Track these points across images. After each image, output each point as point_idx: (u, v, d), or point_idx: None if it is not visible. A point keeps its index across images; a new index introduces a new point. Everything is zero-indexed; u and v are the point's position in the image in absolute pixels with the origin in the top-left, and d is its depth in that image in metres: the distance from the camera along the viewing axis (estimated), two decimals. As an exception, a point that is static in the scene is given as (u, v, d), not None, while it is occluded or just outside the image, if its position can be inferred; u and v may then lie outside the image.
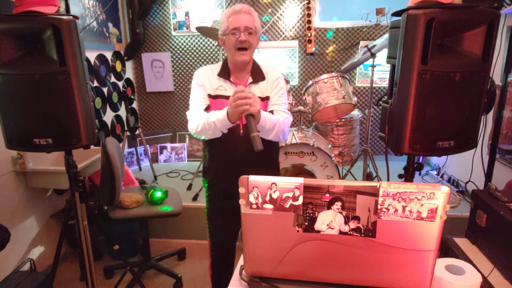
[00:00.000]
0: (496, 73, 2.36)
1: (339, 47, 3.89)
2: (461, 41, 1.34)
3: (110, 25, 3.67)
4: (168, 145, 4.27)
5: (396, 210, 0.89)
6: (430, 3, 1.32)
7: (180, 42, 4.10)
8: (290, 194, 0.94)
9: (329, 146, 3.02)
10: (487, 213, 1.70)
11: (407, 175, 1.63)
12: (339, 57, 3.94)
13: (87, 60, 3.19)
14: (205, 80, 1.75)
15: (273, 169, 1.92)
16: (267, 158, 1.79)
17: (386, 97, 1.61)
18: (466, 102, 1.38)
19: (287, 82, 2.79)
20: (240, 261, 1.12)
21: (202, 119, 1.63)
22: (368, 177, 3.23)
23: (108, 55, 3.66)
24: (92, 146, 1.64)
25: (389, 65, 1.56)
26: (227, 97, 1.69)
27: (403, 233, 0.90)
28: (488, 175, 2.41)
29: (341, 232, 0.94)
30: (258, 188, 0.95)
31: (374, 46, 2.82)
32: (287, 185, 0.94)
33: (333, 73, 2.90)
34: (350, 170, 3.25)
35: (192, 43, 4.09)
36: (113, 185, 2.06)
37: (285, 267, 1.01)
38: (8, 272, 2.17)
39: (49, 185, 2.53)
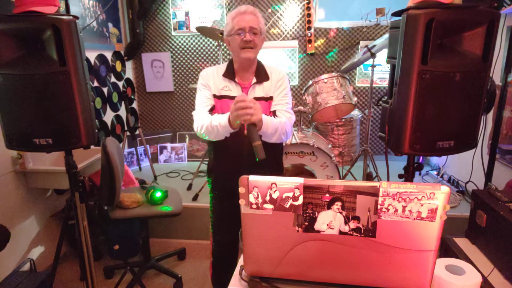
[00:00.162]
0: (496, 73, 2.36)
1: (339, 47, 3.89)
2: (461, 41, 1.34)
3: (110, 25, 3.67)
4: (168, 145, 4.27)
5: (396, 210, 0.89)
6: (430, 3, 1.32)
7: (180, 42, 4.10)
8: (290, 194, 0.94)
9: (329, 146, 3.02)
10: (487, 213, 1.70)
11: (407, 175, 1.63)
12: (339, 57, 3.94)
13: (87, 60, 3.19)
14: (210, 80, 1.77)
15: (277, 168, 1.93)
16: (271, 157, 1.80)
17: (386, 97, 1.61)
18: (466, 102, 1.38)
19: None
20: (240, 261, 1.13)
21: (206, 122, 1.66)
22: (368, 177, 3.23)
23: (108, 55, 3.66)
24: (92, 146, 1.64)
25: (389, 65, 1.56)
26: (232, 97, 1.72)
27: (403, 233, 0.90)
28: (488, 175, 2.41)
29: (341, 232, 0.94)
30: (258, 188, 0.95)
31: (374, 46, 2.82)
32: (287, 185, 0.94)
33: (333, 73, 2.90)
34: (350, 170, 3.25)
35: (192, 43, 4.09)
36: (113, 185, 2.06)
37: (285, 267, 1.01)
38: (8, 272, 2.17)
39: (49, 185, 2.53)
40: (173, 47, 4.12)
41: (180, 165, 4.13)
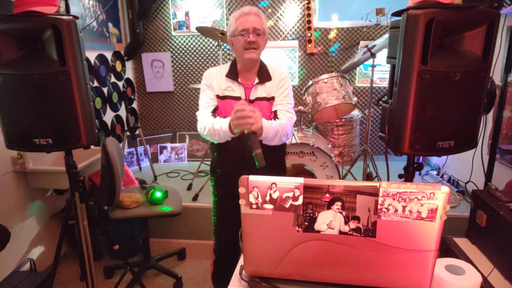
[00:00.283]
0: (496, 73, 2.36)
1: (339, 47, 3.89)
2: (461, 41, 1.34)
3: (110, 25, 3.67)
4: (168, 145, 4.27)
5: (396, 210, 0.89)
6: (430, 3, 1.32)
7: (180, 42, 4.10)
8: (290, 194, 0.94)
9: (329, 146, 3.02)
10: (487, 213, 1.70)
11: (407, 175, 1.63)
12: (339, 57, 3.94)
13: (87, 60, 3.19)
14: (213, 81, 1.79)
15: (279, 167, 1.93)
16: (273, 157, 1.81)
17: (386, 97, 1.61)
18: (466, 102, 1.38)
19: None
20: (240, 261, 1.13)
21: (208, 124, 1.69)
22: (368, 177, 3.23)
23: (108, 55, 3.66)
24: (92, 146, 1.64)
25: (389, 65, 1.56)
26: (234, 98, 1.76)
27: (403, 233, 0.90)
28: (488, 175, 2.41)
29: (341, 232, 0.94)
30: (258, 188, 0.95)
31: (374, 46, 2.82)
32: (287, 185, 0.94)
33: (333, 73, 2.90)
34: (350, 170, 3.25)
35: (192, 43, 4.09)
36: (113, 185, 2.06)
37: (285, 267, 1.01)
38: (8, 272, 2.17)
39: (49, 185, 2.53)
40: (173, 47, 4.12)
41: (180, 165, 4.13)
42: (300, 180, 0.93)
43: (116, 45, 3.82)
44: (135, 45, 4.02)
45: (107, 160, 2.03)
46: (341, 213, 0.93)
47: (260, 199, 0.95)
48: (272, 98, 1.79)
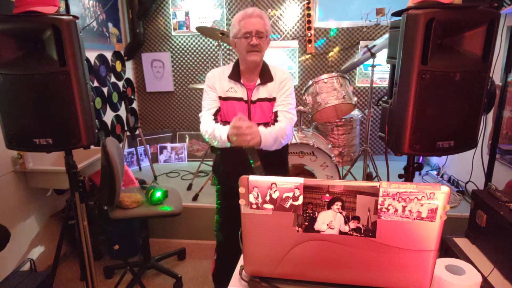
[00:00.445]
0: (496, 73, 2.36)
1: (339, 47, 3.89)
2: (461, 41, 1.34)
3: (110, 25, 3.67)
4: (168, 145, 4.27)
5: (396, 210, 0.89)
6: (430, 3, 1.32)
7: (180, 42, 4.10)
8: (290, 194, 0.94)
9: (329, 146, 3.02)
10: (487, 213, 1.70)
11: (407, 175, 1.63)
12: (339, 57, 3.94)
13: (87, 60, 3.19)
14: (216, 82, 1.80)
15: (282, 167, 1.94)
16: (277, 156, 1.82)
17: (386, 97, 1.61)
18: (466, 102, 1.38)
19: None
20: (240, 261, 1.13)
21: (209, 129, 1.72)
22: (368, 177, 3.23)
23: (108, 55, 3.66)
24: (92, 146, 1.64)
25: (389, 65, 1.56)
26: (237, 99, 1.77)
27: (403, 233, 0.90)
28: (488, 175, 2.41)
29: (341, 232, 0.94)
30: (258, 188, 0.95)
31: (374, 46, 2.82)
32: (287, 185, 0.94)
33: (333, 73, 2.90)
34: (350, 170, 3.25)
35: (192, 43, 4.09)
36: (113, 185, 2.06)
37: (285, 267, 1.01)
38: (8, 272, 2.17)
39: (49, 185, 2.53)
40: (173, 47, 4.12)
41: (180, 165, 4.13)
42: (300, 180, 0.93)
43: (116, 45, 3.82)
44: (135, 45, 4.02)
45: (107, 160, 2.03)
46: (341, 213, 0.93)
47: (260, 199, 0.96)
48: (274, 99, 1.79)
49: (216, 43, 3.92)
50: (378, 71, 3.80)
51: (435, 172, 3.59)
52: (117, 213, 2.23)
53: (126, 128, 3.88)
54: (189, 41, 4.09)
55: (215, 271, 2.13)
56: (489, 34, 1.31)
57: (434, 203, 0.87)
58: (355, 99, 2.92)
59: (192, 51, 4.11)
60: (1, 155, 2.22)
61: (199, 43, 4.07)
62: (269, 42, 1.77)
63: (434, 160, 3.81)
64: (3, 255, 2.13)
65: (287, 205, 0.95)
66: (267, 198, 0.95)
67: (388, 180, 1.76)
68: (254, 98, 1.78)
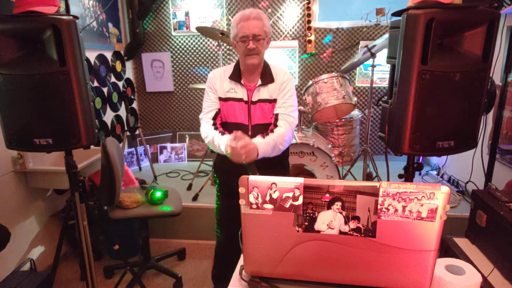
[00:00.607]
0: (496, 73, 2.36)
1: (338, 47, 3.89)
2: (461, 41, 1.34)
3: (110, 25, 3.67)
4: (168, 145, 4.27)
5: (396, 210, 0.89)
6: (430, 3, 1.32)
7: (180, 42, 4.10)
8: (290, 194, 0.94)
9: (329, 146, 3.02)
10: (487, 213, 1.70)
11: (407, 175, 1.63)
12: (339, 57, 3.94)
13: (87, 60, 3.19)
14: (217, 83, 1.81)
15: (282, 168, 1.94)
16: (279, 157, 1.82)
17: (386, 97, 1.61)
18: (466, 102, 1.38)
19: None
20: (240, 261, 1.13)
21: (209, 136, 1.76)
22: (368, 177, 3.23)
23: (108, 55, 3.66)
24: (92, 146, 1.64)
25: (389, 65, 1.56)
26: (237, 99, 1.78)
27: (403, 233, 0.90)
28: (488, 175, 2.40)
29: (341, 232, 0.94)
30: (258, 188, 0.95)
31: (374, 46, 2.82)
32: (287, 185, 0.94)
33: (333, 73, 2.90)
34: (350, 170, 3.25)
35: (192, 43, 4.09)
36: (113, 185, 2.06)
37: (285, 267, 1.01)
38: (8, 272, 2.16)
39: (49, 185, 2.53)
40: (173, 47, 4.12)
41: (180, 165, 4.13)
42: (300, 180, 0.93)
43: (116, 45, 3.82)
44: (135, 45, 4.02)
45: (107, 160, 2.03)
46: (341, 213, 0.93)
47: (260, 199, 0.96)
48: (274, 100, 1.79)
49: (216, 43, 3.92)
50: (378, 71, 3.80)
51: (435, 172, 3.59)
52: (117, 213, 2.23)
53: (126, 128, 3.88)
54: (189, 41, 4.09)
55: (214, 271, 2.13)
56: (489, 34, 1.31)
57: (434, 203, 0.87)
58: (355, 99, 2.92)
59: (192, 51, 4.11)
60: (1, 155, 2.22)
61: (199, 43, 4.07)
62: (269, 41, 1.77)
63: (434, 160, 3.81)
64: (3, 255, 2.13)
65: (287, 205, 0.95)
66: (267, 198, 0.95)
67: (388, 180, 1.76)
68: (254, 98, 1.78)
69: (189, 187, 3.32)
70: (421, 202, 0.88)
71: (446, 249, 1.84)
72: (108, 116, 3.66)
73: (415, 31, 1.30)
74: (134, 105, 4.33)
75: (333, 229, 0.94)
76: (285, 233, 0.97)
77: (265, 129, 1.79)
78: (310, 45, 3.87)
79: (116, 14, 3.82)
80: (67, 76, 1.47)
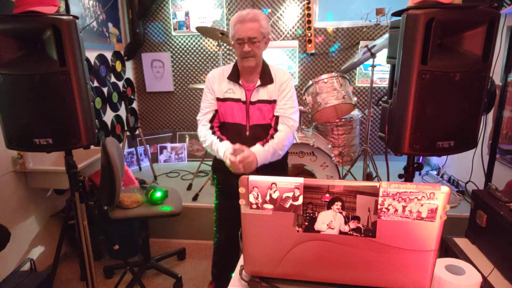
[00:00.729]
0: (496, 73, 2.36)
1: (338, 47, 3.89)
2: (461, 41, 1.34)
3: (110, 25, 3.67)
4: (168, 145, 4.27)
5: (396, 210, 0.89)
6: (430, 3, 1.32)
7: (180, 42, 4.10)
8: (290, 194, 0.94)
9: (329, 146, 3.02)
10: (487, 213, 1.70)
11: (407, 175, 1.63)
12: (339, 57, 3.94)
13: (87, 60, 3.19)
14: (215, 83, 1.81)
15: (281, 168, 1.94)
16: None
17: (386, 97, 1.61)
18: (466, 102, 1.38)
19: None
20: (240, 261, 1.13)
21: (208, 140, 1.78)
22: (368, 177, 3.23)
23: (108, 55, 3.66)
24: (92, 146, 1.64)
25: (389, 65, 1.56)
26: (235, 100, 1.78)
27: (403, 233, 0.90)
28: (488, 175, 2.40)
29: (341, 232, 0.94)
30: (258, 188, 0.95)
31: (374, 46, 2.82)
32: (287, 185, 0.94)
33: (333, 73, 2.90)
34: (350, 170, 3.25)
35: (192, 43, 4.09)
36: (113, 185, 2.06)
37: (285, 267, 1.01)
38: (8, 272, 2.16)
39: (49, 185, 2.53)
40: (173, 47, 4.12)
41: (180, 165, 4.13)
42: (300, 180, 0.93)
43: (116, 45, 3.82)
44: (135, 45, 4.02)
45: (107, 160, 2.03)
46: (341, 213, 0.93)
47: (260, 199, 0.96)
48: (274, 101, 1.79)
49: (216, 43, 3.92)
50: (378, 71, 3.80)
51: (435, 172, 3.59)
52: (117, 213, 2.23)
53: (126, 128, 3.88)
54: (189, 41, 4.09)
55: (214, 270, 2.13)
56: (489, 34, 1.31)
57: (434, 203, 0.87)
58: (355, 99, 2.92)
59: (192, 51, 4.11)
60: (1, 155, 2.22)
61: (199, 43, 4.07)
62: (268, 42, 1.76)
63: (434, 160, 3.81)
64: (3, 255, 2.13)
65: (287, 205, 0.95)
66: (267, 198, 0.95)
67: (388, 180, 1.76)
68: (253, 99, 1.77)
69: (189, 187, 3.32)
70: (421, 202, 0.88)
71: (446, 249, 1.84)
72: (108, 116, 3.66)
73: (415, 31, 1.30)
74: (134, 105, 4.33)
75: (333, 229, 0.94)
76: (285, 233, 0.97)
77: (263, 129, 1.79)
78: (310, 45, 3.87)
79: (116, 14, 3.82)
80: (67, 76, 1.47)
